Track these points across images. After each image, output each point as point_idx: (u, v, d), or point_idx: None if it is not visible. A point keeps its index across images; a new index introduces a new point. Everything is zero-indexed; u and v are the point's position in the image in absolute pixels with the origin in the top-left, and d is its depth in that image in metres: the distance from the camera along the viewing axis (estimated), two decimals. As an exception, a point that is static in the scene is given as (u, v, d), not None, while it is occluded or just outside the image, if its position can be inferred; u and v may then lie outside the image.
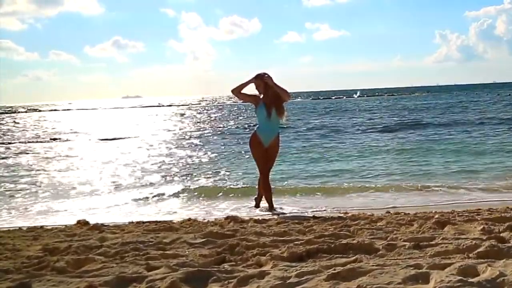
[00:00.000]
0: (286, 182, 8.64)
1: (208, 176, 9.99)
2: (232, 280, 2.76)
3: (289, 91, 6.27)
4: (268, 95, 6.22)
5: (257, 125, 6.36)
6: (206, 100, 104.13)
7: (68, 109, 77.19)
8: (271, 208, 6.36)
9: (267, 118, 6.21)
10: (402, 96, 70.61)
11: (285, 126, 15.75)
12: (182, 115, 44.43)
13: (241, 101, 6.45)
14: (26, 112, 69.08)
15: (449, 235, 3.80)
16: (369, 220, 4.84)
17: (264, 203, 6.58)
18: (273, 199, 6.47)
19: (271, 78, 6.19)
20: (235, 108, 52.47)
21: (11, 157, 14.89)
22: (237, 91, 6.30)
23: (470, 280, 2.46)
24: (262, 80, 6.20)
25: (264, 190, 6.40)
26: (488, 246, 3.18)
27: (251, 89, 6.40)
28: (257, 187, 6.76)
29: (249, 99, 6.44)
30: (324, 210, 6.30)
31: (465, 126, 18.93)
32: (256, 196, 6.74)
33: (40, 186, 9.32)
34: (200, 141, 18.22)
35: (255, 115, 6.45)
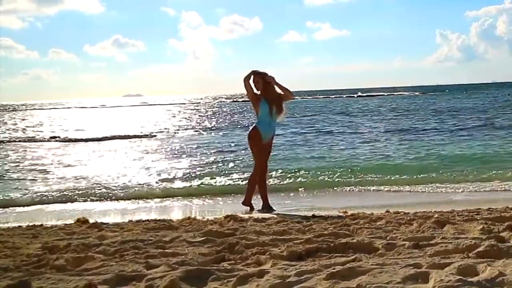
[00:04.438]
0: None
1: (208, 175, 9.98)
2: (232, 278, 2.75)
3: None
4: (269, 93, 6.27)
5: (258, 121, 6.38)
6: (204, 99, 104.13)
7: (68, 108, 77.11)
8: (266, 206, 6.32)
9: (269, 114, 6.28)
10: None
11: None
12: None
13: (246, 92, 6.44)
14: (26, 110, 68.99)
15: (448, 235, 3.80)
16: (368, 219, 4.84)
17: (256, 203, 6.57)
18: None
19: (273, 78, 6.27)
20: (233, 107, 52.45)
21: (10, 155, 14.86)
22: (247, 79, 6.32)
23: (470, 279, 2.45)
24: (261, 77, 6.25)
25: (260, 187, 6.37)
26: (488, 245, 3.18)
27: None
28: (247, 185, 6.65)
29: (252, 93, 6.40)
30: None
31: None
32: (243, 200, 6.53)
33: (39, 185, 9.31)
34: (200, 140, 18.22)
35: (253, 110, 6.51)
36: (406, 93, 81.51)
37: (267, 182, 6.56)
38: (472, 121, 21.17)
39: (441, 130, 17.87)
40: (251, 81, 6.33)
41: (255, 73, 6.31)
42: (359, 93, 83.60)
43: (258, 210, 6.31)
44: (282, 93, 6.36)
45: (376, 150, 12.87)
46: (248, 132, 6.54)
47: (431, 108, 33.93)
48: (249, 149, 6.65)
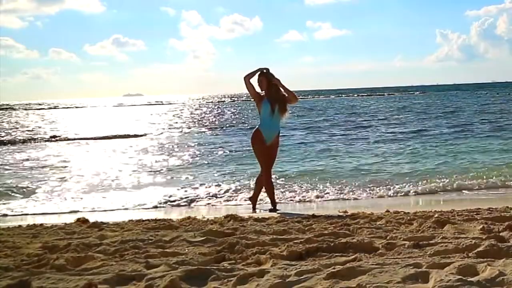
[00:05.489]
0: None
1: (209, 174, 9.99)
2: (232, 278, 2.76)
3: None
4: (272, 93, 6.26)
5: (260, 122, 6.37)
6: (206, 99, 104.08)
7: (68, 107, 77.16)
8: (273, 203, 6.38)
9: (271, 114, 6.24)
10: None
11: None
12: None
13: (247, 91, 6.44)
14: (25, 110, 68.98)
15: (448, 234, 3.80)
16: (368, 219, 4.84)
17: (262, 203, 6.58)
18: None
19: (279, 80, 6.27)
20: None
21: (11, 155, 14.87)
22: (248, 78, 6.31)
23: (470, 279, 2.46)
24: (265, 77, 6.24)
25: (267, 186, 6.42)
26: (488, 245, 3.18)
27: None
28: (254, 185, 6.72)
29: (253, 92, 6.38)
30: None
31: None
32: (250, 196, 6.70)
33: (39, 184, 9.31)
34: (200, 139, 18.23)
35: (257, 111, 6.48)
36: (406, 93, 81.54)
37: (273, 182, 6.56)
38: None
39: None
40: (254, 80, 6.31)
41: (260, 73, 6.29)
42: (357, 94, 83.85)
43: (268, 210, 6.34)
44: (287, 95, 6.34)
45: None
46: (251, 134, 6.54)
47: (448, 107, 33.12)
48: (253, 151, 6.61)
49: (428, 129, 18.51)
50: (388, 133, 17.73)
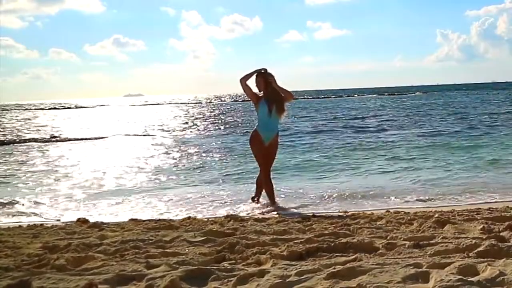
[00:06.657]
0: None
1: (208, 173, 9.98)
2: (232, 278, 2.76)
3: (289, 90, 6.38)
4: (270, 93, 6.29)
5: (257, 123, 6.40)
6: (206, 99, 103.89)
7: (68, 107, 77.17)
8: (273, 203, 6.41)
9: (268, 115, 6.28)
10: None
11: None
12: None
13: (244, 93, 6.47)
14: (25, 110, 68.97)
15: (449, 234, 3.80)
16: (369, 219, 4.85)
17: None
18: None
19: (274, 79, 6.28)
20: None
21: (11, 155, 14.87)
22: (244, 80, 6.34)
23: (470, 279, 2.46)
24: (262, 78, 6.27)
25: (266, 186, 6.46)
26: (488, 245, 3.18)
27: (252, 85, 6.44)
28: (255, 185, 6.77)
29: (251, 93, 6.43)
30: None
31: None
32: (253, 196, 6.75)
33: (40, 184, 9.32)
34: (199, 139, 18.24)
35: (255, 112, 6.51)
36: (407, 93, 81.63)
37: (272, 180, 6.58)
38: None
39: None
40: (252, 82, 6.34)
41: (258, 73, 6.30)
42: (357, 94, 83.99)
43: (265, 208, 6.35)
44: (282, 94, 6.36)
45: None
46: (249, 135, 6.58)
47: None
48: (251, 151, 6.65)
49: (446, 130, 17.36)
50: (409, 135, 16.73)
